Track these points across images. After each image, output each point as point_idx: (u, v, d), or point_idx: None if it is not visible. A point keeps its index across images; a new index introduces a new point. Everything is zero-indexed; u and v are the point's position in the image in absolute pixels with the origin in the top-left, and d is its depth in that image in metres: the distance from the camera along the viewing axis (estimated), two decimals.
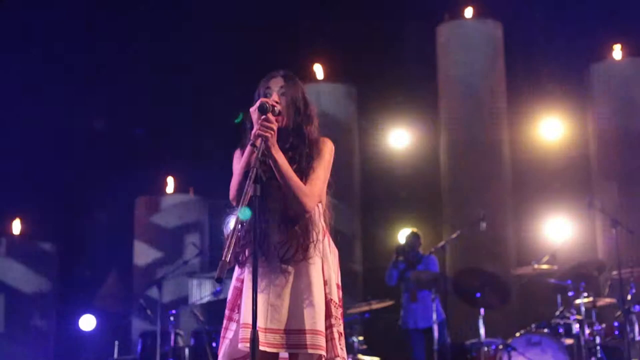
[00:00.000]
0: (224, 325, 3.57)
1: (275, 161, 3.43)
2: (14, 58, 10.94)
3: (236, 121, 3.71)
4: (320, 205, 3.60)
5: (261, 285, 3.39)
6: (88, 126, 11.41)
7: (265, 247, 3.47)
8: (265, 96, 3.57)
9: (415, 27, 11.15)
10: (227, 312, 3.59)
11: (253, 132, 3.46)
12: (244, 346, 3.35)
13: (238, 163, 3.57)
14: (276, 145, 3.44)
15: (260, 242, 3.37)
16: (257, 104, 3.49)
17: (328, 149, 3.64)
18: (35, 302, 10.70)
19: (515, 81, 11.10)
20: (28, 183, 11.12)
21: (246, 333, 3.31)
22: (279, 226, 3.50)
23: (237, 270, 3.60)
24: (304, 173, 3.52)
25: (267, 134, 3.40)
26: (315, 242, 3.51)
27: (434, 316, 7.92)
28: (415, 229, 9.07)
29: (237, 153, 3.66)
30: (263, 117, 3.43)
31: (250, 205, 3.23)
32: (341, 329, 3.55)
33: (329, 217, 3.67)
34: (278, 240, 3.49)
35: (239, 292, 3.56)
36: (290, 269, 3.50)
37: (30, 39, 11.27)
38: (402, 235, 10.54)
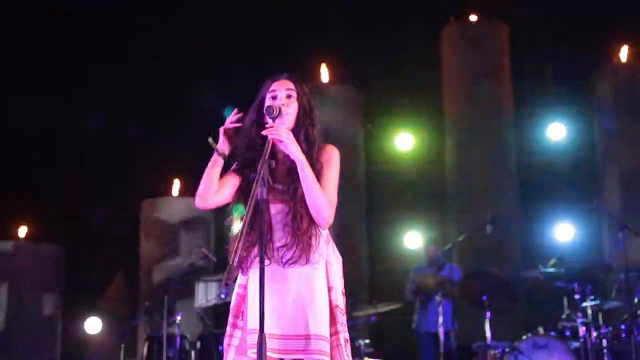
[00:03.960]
0: (228, 332, 3.50)
1: (302, 164, 3.37)
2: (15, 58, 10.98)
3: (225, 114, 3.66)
4: None
5: (265, 289, 3.25)
6: (93, 127, 11.41)
7: (269, 251, 3.42)
8: (273, 98, 3.53)
9: (420, 30, 11.14)
10: (231, 319, 3.52)
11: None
12: (253, 352, 3.26)
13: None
14: (295, 144, 3.38)
15: (264, 246, 3.31)
16: (264, 106, 3.45)
17: (336, 156, 3.57)
18: (40, 304, 10.70)
19: (521, 84, 11.08)
20: (33, 186, 11.13)
21: (254, 339, 3.22)
22: (283, 230, 3.45)
23: (239, 276, 3.53)
24: (317, 178, 3.44)
25: (278, 136, 3.34)
26: (318, 247, 3.45)
27: (440, 320, 7.90)
28: (433, 235, 9.04)
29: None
30: (268, 124, 3.38)
31: (255, 208, 3.16)
32: (347, 335, 3.50)
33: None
34: (282, 244, 3.44)
35: (241, 298, 3.51)
36: (294, 273, 3.44)
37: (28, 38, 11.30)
38: (411, 239, 10.56)
